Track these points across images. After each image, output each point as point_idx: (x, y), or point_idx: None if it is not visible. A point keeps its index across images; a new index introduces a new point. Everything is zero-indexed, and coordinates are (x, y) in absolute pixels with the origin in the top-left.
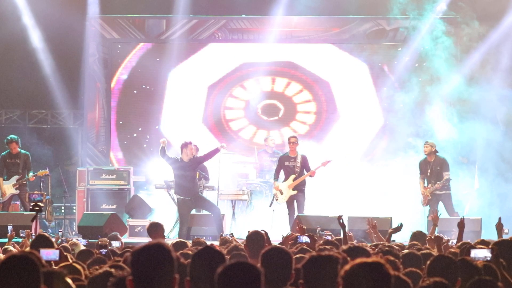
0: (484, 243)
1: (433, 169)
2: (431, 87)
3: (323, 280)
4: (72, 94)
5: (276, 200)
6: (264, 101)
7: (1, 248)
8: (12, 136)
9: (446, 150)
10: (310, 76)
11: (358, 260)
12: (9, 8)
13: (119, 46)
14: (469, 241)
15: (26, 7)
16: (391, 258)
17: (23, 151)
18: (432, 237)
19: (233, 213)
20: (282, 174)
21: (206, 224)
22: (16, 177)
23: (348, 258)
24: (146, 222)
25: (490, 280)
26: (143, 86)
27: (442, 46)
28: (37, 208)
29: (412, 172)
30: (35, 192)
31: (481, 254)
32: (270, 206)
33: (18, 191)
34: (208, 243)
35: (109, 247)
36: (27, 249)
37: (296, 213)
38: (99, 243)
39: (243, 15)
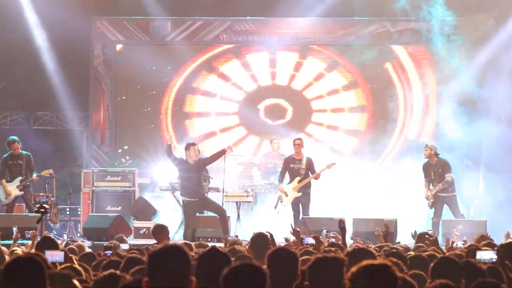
0: (489, 245)
1: (435, 171)
2: (440, 87)
3: (329, 281)
4: (77, 95)
5: (281, 202)
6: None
7: (8, 250)
8: (13, 137)
9: (452, 151)
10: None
11: (365, 262)
12: (14, 10)
13: (124, 47)
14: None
15: (31, 9)
16: (395, 259)
17: (24, 152)
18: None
19: (238, 215)
20: (287, 176)
21: (211, 226)
22: (20, 178)
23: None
24: (151, 224)
25: (495, 282)
26: (148, 87)
27: (450, 46)
28: (42, 210)
29: (417, 173)
30: (41, 194)
31: (486, 256)
32: (275, 208)
33: (22, 192)
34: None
35: (118, 249)
36: (32, 250)
37: (301, 215)
38: (106, 245)
39: (248, 17)
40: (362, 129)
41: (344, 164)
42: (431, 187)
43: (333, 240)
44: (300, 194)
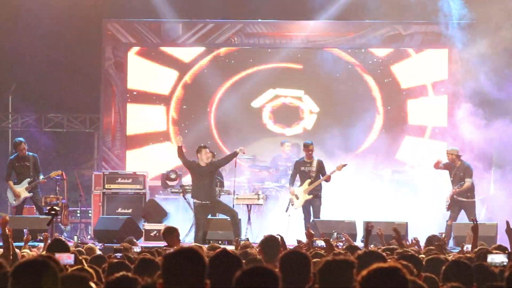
0: (500, 248)
1: (456, 174)
2: (454, 89)
3: (339, 284)
4: (88, 98)
5: (292, 205)
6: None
7: (19, 251)
8: (19, 138)
9: (465, 152)
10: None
11: (375, 265)
12: (25, 12)
13: (135, 50)
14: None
15: (42, 11)
16: (405, 262)
17: (30, 153)
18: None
19: (249, 217)
20: (297, 179)
21: (222, 229)
22: (28, 180)
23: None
24: (161, 227)
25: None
26: (159, 90)
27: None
28: (53, 212)
29: (429, 176)
30: (51, 196)
31: (498, 259)
32: (286, 211)
33: (31, 194)
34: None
35: (130, 252)
36: (43, 253)
37: (311, 218)
38: (116, 247)
39: (259, 20)
40: (376, 131)
41: (356, 166)
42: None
43: (341, 244)
44: (311, 196)
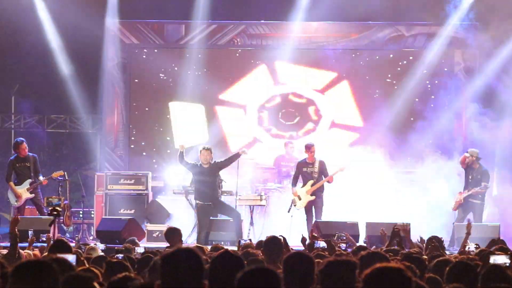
0: (503, 250)
1: (474, 176)
2: (457, 89)
3: (341, 285)
4: (91, 99)
5: (294, 205)
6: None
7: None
8: (20, 138)
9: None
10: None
11: (378, 265)
12: (27, 13)
13: (137, 51)
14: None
15: (44, 12)
16: (408, 263)
17: (30, 153)
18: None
19: (251, 218)
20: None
21: (224, 229)
22: (29, 181)
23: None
24: (164, 227)
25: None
26: (162, 90)
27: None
28: (55, 213)
29: (433, 177)
30: (53, 196)
31: (500, 260)
32: (288, 212)
33: (33, 195)
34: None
35: (133, 253)
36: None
37: (314, 219)
38: (118, 248)
39: (262, 21)
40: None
41: (358, 167)
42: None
43: (344, 245)
44: (313, 197)
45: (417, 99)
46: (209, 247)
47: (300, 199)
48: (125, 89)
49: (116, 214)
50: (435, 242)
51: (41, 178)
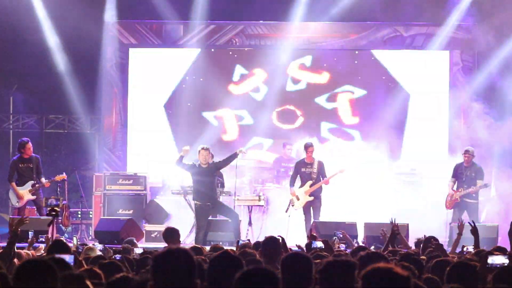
0: (500, 250)
1: (468, 175)
2: (454, 90)
3: (340, 285)
4: (89, 99)
5: (292, 206)
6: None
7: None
8: (25, 138)
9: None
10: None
11: (376, 265)
12: (26, 13)
13: (136, 51)
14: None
15: (43, 12)
16: (406, 264)
17: (33, 154)
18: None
19: (250, 218)
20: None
21: (223, 230)
22: (32, 182)
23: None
24: (162, 228)
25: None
26: (160, 90)
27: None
28: (53, 213)
29: (433, 177)
30: (52, 197)
31: (498, 260)
32: (286, 212)
33: (34, 197)
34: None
35: (132, 254)
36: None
37: (312, 219)
38: (115, 249)
39: (261, 21)
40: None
41: (357, 168)
42: (455, 188)
43: (342, 245)
44: (311, 198)
45: (416, 99)
46: (207, 248)
47: (298, 199)
48: (123, 89)
49: (115, 215)
50: (433, 243)
51: (43, 180)
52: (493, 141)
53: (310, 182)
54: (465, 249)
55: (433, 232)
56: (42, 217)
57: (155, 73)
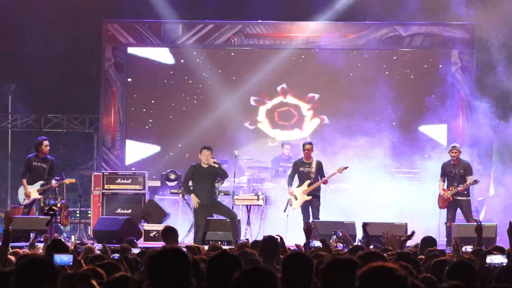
0: (499, 249)
1: (457, 172)
2: (452, 91)
3: (341, 284)
4: (88, 98)
5: (290, 205)
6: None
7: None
8: (43, 137)
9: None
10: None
11: (373, 264)
12: (24, 13)
13: (135, 50)
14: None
15: (42, 12)
16: (404, 263)
17: (49, 156)
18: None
19: (248, 218)
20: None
21: (221, 229)
22: (41, 182)
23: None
24: (161, 227)
25: (508, 287)
26: (159, 91)
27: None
28: (51, 212)
29: (433, 176)
30: (50, 196)
31: (497, 260)
32: (284, 211)
33: (41, 196)
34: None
35: (130, 253)
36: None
37: (311, 219)
38: (113, 248)
39: (259, 21)
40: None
41: (356, 168)
42: (445, 186)
43: (340, 245)
44: (310, 197)
45: (416, 99)
46: (206, 247)
47: (296, 198)
48: (122, 88)
49: (113, 214)
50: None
51: (53, 182)
52: (492, 140)
53: (308, 182)
54: (463, 248)
55: (432, 232)
56: (40, 217)
57: (153, 72)
